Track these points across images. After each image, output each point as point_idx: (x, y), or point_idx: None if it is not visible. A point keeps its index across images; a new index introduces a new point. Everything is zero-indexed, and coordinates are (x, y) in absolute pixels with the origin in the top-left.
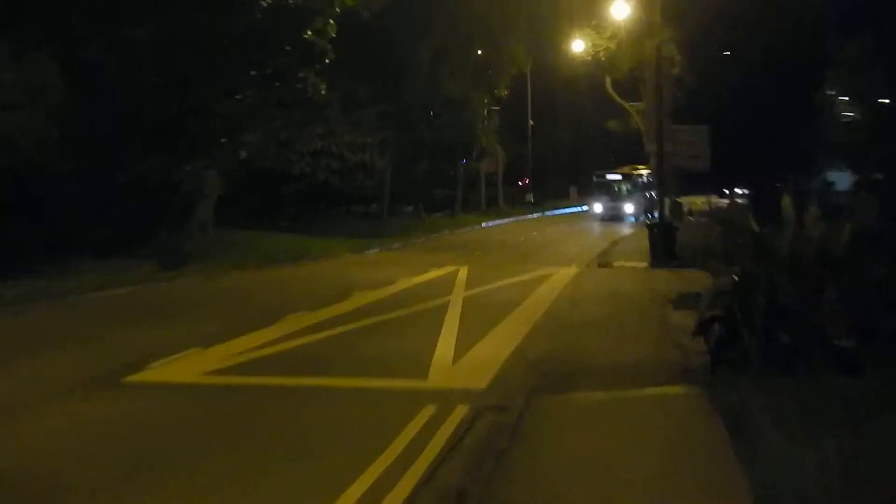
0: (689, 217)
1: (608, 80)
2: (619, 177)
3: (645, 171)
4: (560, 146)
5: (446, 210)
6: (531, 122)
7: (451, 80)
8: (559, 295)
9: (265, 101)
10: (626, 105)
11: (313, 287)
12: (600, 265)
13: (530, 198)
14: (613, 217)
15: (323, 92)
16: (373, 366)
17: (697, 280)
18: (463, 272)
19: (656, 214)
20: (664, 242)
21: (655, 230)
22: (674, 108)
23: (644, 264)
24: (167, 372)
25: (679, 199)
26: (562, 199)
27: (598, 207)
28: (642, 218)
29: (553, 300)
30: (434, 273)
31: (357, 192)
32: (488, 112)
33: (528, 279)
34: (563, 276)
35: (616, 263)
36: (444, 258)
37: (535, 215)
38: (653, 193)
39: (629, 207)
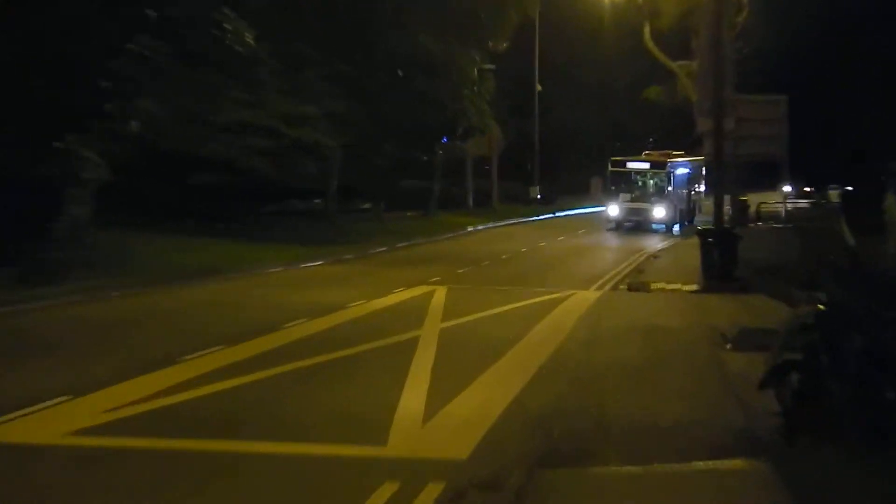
0: (758, 223)
1: (647, 30)
2: (645, 166)
3: (683, 161)
4: (579, 123)
5: (419, 209)
6: (538, 88)
7: (428, 30)
8: (573, 329)
9: (168, 55)
10: (672, 65)
11: (232, 313)
12: (631, 287)
13: (536, 193)
14: (636, 224)
15: (250, 42)
16: (310, 425)
17: (767, 310)
18: (440, 295)
19: (698, 220)
20: (722, 257)
21: (710, 240)
22: (738, 71)
23: (693, 287)
24: (20, 430)
25: (743, 198)
26: (580, 195)
27: (613, 210)
28: (678, 228)
29: (565, 337)
30: (400, 296)
31: (297, 184)
32: (479, 74)
33: (530, 306)
34: (578, 301)
35: (654, 285)
36: (414, 275)
37: (542, 217)
38: (696, 191)
39: (658, 211)
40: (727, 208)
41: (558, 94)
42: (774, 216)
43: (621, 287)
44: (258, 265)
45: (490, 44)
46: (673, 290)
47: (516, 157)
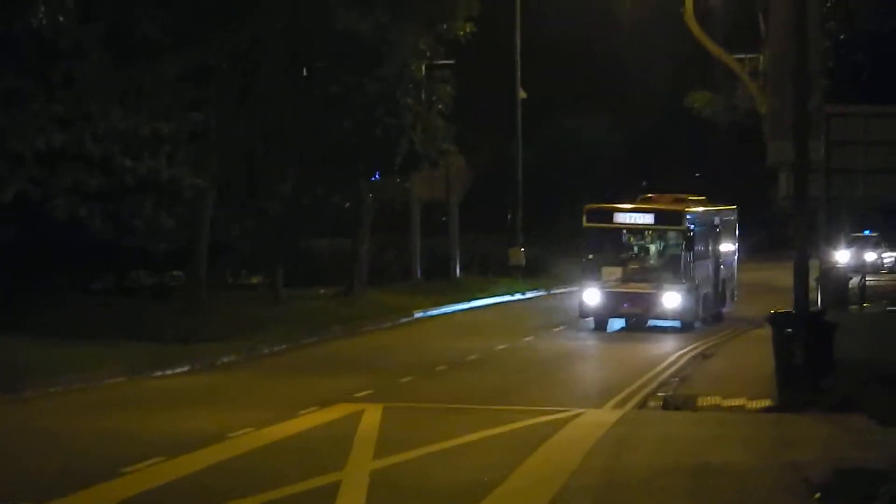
0: (862, 305)
1: (689, 5)
2: (647, 219)
3: (708, 211)
4: (584, 147)
5: (337, 283)
6: (521, 94)
7: (353, 5)
8: (577, 472)
9: None
10: (729, 58)
11: (40, 453)
12: (669, 404)
13: (520, 257)
14: (631, 319)
15: (61, 20)
16: None
17: (876, 441)
18: (371, 418)
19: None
20: (807, 358)
21: (790, 331)
22: (826, 67)
23: (763, 403)
24: None
25: (837, 265)
26: None
27: (591, 296)
28: (698, 325)
29: (562, 485)
30: (310, 420)
31: (143, 244)
32: (429, 72)
33: (510, 435)
34: (586, 427)
35: (704, 400)
36: (331, 387)
37: (529, 295)
38: (726, 260)
39: (670, 298)
40: (814, 281)
41: (552, 101)
42: (887, 293)
43: (652, 404)
44: (81, 374)
45: (445, 26)
46: (733, 409)
47: (490, 199)
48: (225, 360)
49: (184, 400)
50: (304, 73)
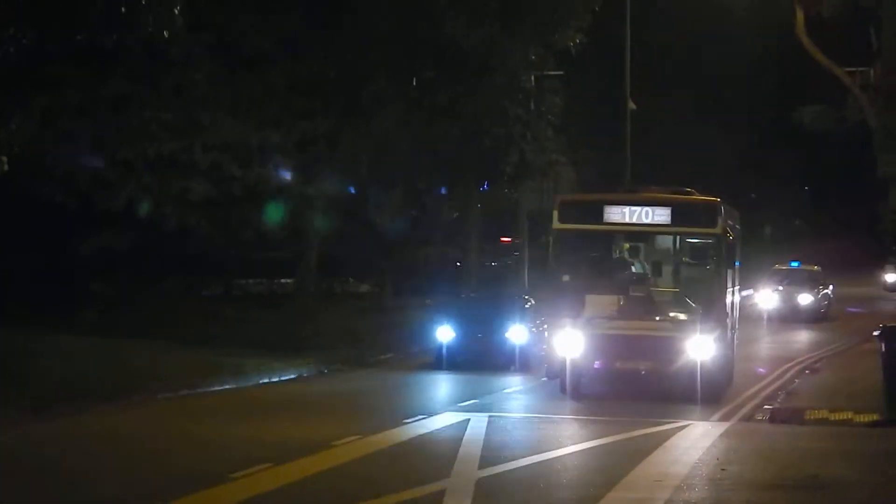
0: None
1: (800, 18)
2: (659, 215)
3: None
4: (692, 159)
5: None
6: (631, 106)
7: (458, 11)
8: (680, 487)
9: (37, 50)
10: (840, 71)
11: (138, 458)
12: (776, 417)
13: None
14: (628, 371)
15: (174, 31)
16: None
17: None
18: (477, 427)
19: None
20: None
21: None
22: None
23: (871, 417)
24: None
25: None
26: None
27: (566, 343)
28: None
29: (666, 499)
30: (416, 427)
31: (250, 252)
32: (539, 79)
33: (613, 446)
34: (691, 440)
35: (811, 414)
36: (436, 396)
37: None
38: (732, 284)
39: (700, 345)
40: None
41: (663, 112)
42: None
43: (759, 417)
44: (190, 380)
45: (556, 37)
46: (840, 422)
47: None
48: (332, 368)
49: (291, 407)
50: (413, 82)
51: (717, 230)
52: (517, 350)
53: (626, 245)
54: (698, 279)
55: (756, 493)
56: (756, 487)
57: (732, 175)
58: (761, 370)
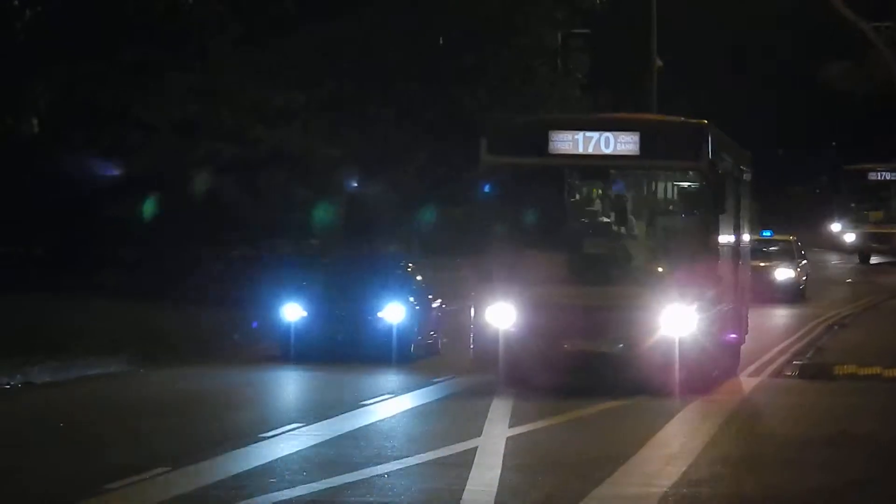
0: None
1: None
2: (624, 143)
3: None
4: (717, 118)
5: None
6: (658, 64)
7: None
8: (710, 443)
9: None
10: (866, 27)
11: (177, 413)
12: (805, 373)
13: None
14: (587, 364)
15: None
16: None
17: None
18: (507, 389)
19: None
20: None
21: None
22: None
23: None
24: None
25: None
26: None
27: (498, 318)
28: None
29: (697, 455)
30: (447, 385)
31: (275, 214)
32: (565, 38)
33: (645, 403)
34: (720, 395)
35: (840, 369)
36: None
37: None
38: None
39: (678, 317)
40: None
41: (689, 70)
42: None
43: (788, 373)
44: (219, 342)
45: None
46: (869, 377)
47: None
48: None
49: (321, 367)
50: (440, 42)
51: (702, 164)
52: (395, 334)
53: (583, 187)
54: (679, 232)
55: (787, 450)
56: (787, 444)
57: (758, 134)
58: None
